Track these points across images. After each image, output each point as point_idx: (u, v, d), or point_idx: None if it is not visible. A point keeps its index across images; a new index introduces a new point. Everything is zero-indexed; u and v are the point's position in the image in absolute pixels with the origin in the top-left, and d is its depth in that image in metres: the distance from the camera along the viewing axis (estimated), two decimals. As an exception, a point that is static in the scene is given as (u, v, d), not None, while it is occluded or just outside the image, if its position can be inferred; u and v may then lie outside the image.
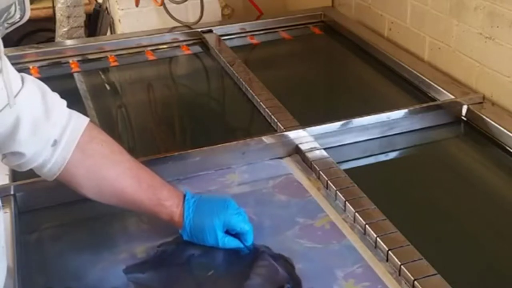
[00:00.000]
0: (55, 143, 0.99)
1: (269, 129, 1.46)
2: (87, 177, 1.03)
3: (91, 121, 1.05)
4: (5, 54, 0.92)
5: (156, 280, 1.03)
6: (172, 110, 1.75)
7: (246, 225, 1.07)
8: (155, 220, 1.12)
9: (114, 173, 1.05)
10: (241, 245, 1.07)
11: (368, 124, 1.43)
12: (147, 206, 1.06)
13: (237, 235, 1.08)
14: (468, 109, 1.50)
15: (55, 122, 0.99)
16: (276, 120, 1.45)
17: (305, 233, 1.11)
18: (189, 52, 2.00)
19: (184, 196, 1.08)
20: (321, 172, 1.25)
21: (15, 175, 1.27)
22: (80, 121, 1.03)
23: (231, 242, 1.07)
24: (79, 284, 1.03)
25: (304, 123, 1.41)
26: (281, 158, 1.36)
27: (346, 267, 1.03)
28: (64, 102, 1.04)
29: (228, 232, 1.07)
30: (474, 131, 1.46)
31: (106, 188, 1.05)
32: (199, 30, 2.05)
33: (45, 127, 0.98)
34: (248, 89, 1.63)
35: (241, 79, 1.69)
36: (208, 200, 1.09)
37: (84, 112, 1.58)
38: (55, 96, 1.03)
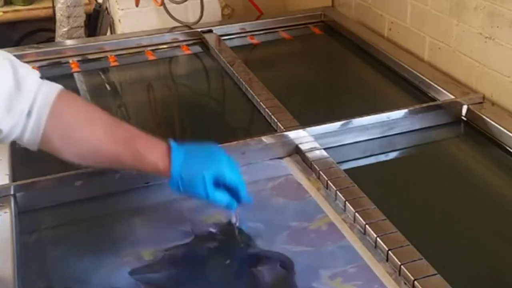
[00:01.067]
0: (29, 113, 0.99)
1: (269, 129, 1.46)
2: (62, 141, 1.03)
3: (65, 89, 1.04)
4: None
5: (168, 279, 1.03)
6: (172, 110, 1.75)
7: (236, 177, 1.06)
8: (160, 221, 1.13)
9: (87, 133, 1.04)
10: (232, 202, 1.07)
11: (368, 124, 1.43)
12: (127, 160, 1.05)
13: (229, 191, 1.06)
14: (468, 109, 1.50)
15: (27, 95, 0.98)
16: (276, 120, 1.45)
17: (294, 238, 1.11)
18: (189, 52, 2.00)
19: (169, 145, 1.06)
20: (321, 172, 1.25)
21: (15, 175, 1.27)
22: (51, 89, 1.02)
23: (221, 197, 1.06)
24: (80, 285, 1.03)
25: (304, 123, 1.41)
26: (281, 158, 1.36)
27: (335, 267, 1.03)
28: (35, 73, 1.03)
29: (219, 186, 1.06)
30: (474, 131, 1.46)
31: (83, 149, 1.04)
32: (199, 30, 2.05)
33: (17, 102, 0.98)
34: (248, 89, 1.63)
35: (241, 79, 1.69)
36: (197, 151, 1.07)
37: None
38: (26, 68, 1.02)
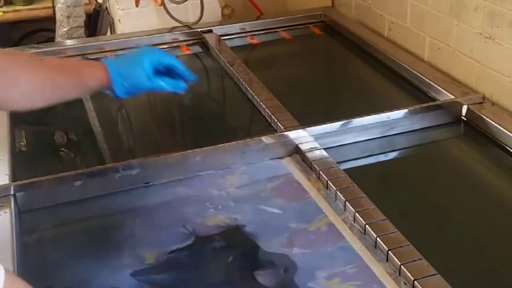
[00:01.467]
0: None
1: (269, 129, 1.45)
2: (8, 90, 1.01)
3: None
4: None
5: (170, 281, 1.03)
6: (172, 110, 1.75)
7: (172, 58, 1.13)
8: (160, 222, 1.14)
9: (30, 72, 1.04)
10: (177, 82, 1.14)
11: (368, 124, 1.43)
12: (72, 82, 1.08)
13: (170, 76, 1.13)
14: (468, 109, 1.50)
15: None
16: (276, 120, 1.45)
17: (294, 239, 1.11)
18: (189, 52, 2.00)
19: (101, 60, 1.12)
20: (321, 172, 1.25)
21: (15, 175, 1.27)
22: None
23: (165, 81, 1.12)
24: (81, 286, 1.02)
25: (304, 123, 1.41)
26: (281, 158, 1.36)
27: (333, 268, 1.03)
28: None
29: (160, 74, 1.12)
30: (474, 131, 1.46)
31: (29, 88, 1.04)
32: (199, 30, 2.05)
33: None
34: (248, 89, 1.63)
35: (241, 79, 1.69)
36: (129, 54, 1.16)
37: (84, 112, 1.58)
38: None
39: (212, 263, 1.07)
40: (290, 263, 1.05)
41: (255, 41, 2.08)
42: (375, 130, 1.44)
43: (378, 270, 1.01)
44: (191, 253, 1.08)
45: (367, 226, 1.09)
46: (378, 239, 1.05)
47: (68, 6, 2.37)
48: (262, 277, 1.02)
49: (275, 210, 1.19)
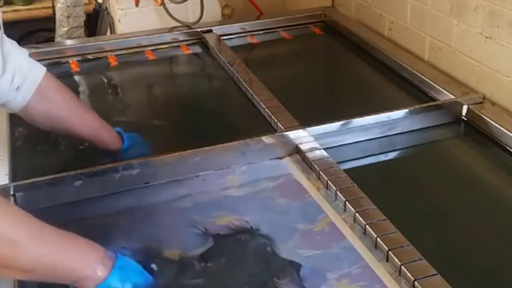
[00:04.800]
0: (18, 88, 1.19)
1: (269, 129, 1.45)
2: (42, 116, 1.26)
3: (48, 71, 1.26)
4: None
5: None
6: (172, 110, 1.75)
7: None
8: (165, 222, 1.15)
9: (65, 114, 1.28)
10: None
11: (368, 124, 1.42)
12: (88, 141, 1.34)
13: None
14: (468, 109, 1.50)
15: (13, 70, 1.18)
16: (276, 120, 1.45)
17: (305, 241, 1.10)
18: (189, 52, 2.00)
19: (119, 133, 1.36)
20: (321, 172, 1.25)
21: (15, 175, 1.27)
22: (39, 71, 1.24)
23: None
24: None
25: (304, 123, 1.41)
26: (281, 158, 1.36)
27: (341, 269, 1.03)
28: (25, 52, 1.25)
29: None
30: (474, 131, 1.46)
31: (57, 125, 1.29)
32: (199, 30, 2.05)
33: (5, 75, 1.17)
34: (248, 89, 1.63)
35: (241, 79, 1.69)
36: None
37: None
38: (12, 44, 1.25)
39: (236, 266, 1.06)
40: (297, 265, 1.05)
41: (255, 41, 2.08)
42: (375, 130, 1.44)
43: (379, 270, 1.01)
44: (214, 255, 1.08)
45: (367, 226, 1.08)
46: (378, 239, 1.05)
47: (68, 6, 2.37)
48: (286, 286, 1.01)
49: (280, 211, 1.19)
